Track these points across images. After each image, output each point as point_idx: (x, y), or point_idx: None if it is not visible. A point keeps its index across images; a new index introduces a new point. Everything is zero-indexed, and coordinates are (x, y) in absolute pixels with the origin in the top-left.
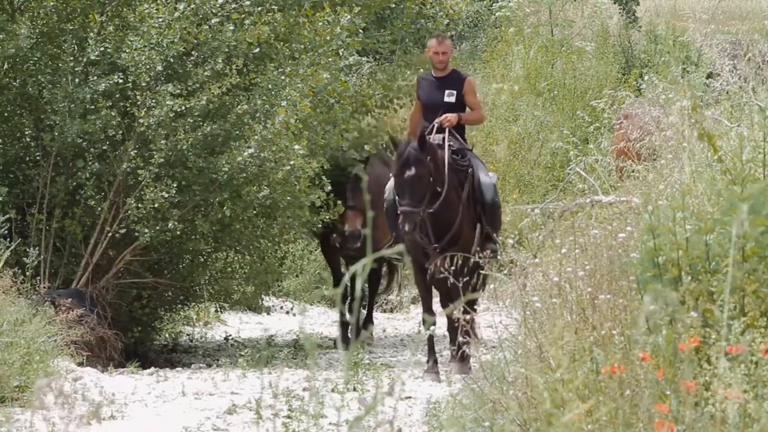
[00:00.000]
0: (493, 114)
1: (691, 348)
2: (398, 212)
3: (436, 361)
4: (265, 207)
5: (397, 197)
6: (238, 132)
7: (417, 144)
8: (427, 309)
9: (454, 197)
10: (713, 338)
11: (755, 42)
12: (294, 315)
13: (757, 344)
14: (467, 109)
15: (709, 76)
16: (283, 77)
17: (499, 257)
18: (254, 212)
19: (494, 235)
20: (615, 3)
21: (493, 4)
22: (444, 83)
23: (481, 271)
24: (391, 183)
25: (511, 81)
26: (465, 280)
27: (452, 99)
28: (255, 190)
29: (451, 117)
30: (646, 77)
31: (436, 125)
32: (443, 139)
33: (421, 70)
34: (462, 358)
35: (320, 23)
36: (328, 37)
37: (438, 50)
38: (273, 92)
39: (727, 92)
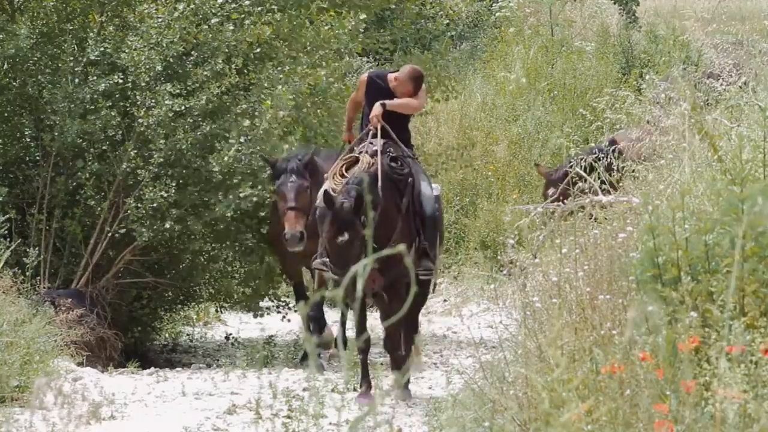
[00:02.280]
0: (493, 114)
1: (690, 348)
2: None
3: (370, 385)
4: (257, 206)
5: (327, 259)
6: (227, 133)
7: (351, 205)
8: (360, 327)
9: (392, 209)
10: (713, 338)
11: (755, 42)
12: (289, 321)
13: (757, 344)
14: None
15: (708, 76)
16: (281, 76)
17: (433, 276)
18: (241, 212)
19: (432, 252)
20: (615, 3)
21: (493, 4)
22: (394, 94)
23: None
24: (325, 186)
25: (520, 74)
26: (396, 294)
27: None
28: (249, 188)
29: (374, 112)
30: (646, 77)
31: (371, 131)
32: (382, 144)
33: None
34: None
35: (326, 26)
36: (331, 40)
37: (402, 90)
38: (270, 90)
39: (726, 92)
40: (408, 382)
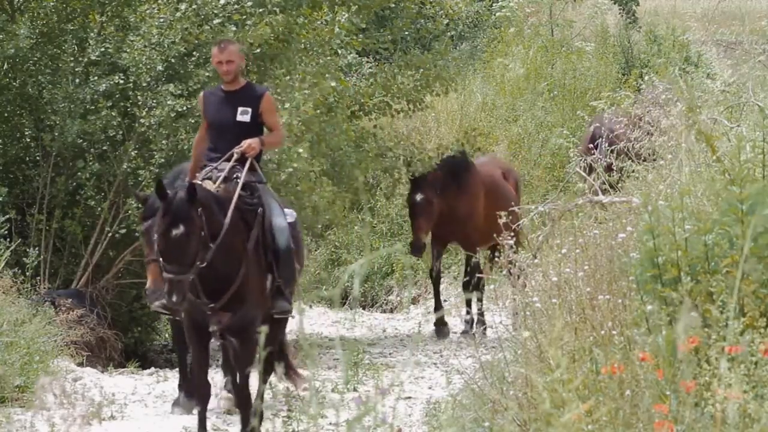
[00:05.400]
0: (493, 114)
1: (690, 348)
2: (164, 278)
3: None
4: None
5: (160, 259)
6: None
7: (186, 194)
8: (200, 383)
9: (237, 244)
10: (713, 338)
11: (754, 43)
12: (293, 317)
13: (757, 344)
14: (265, 130)
15: (708, 76)
16: (290, 83)
17: (292, 316)
18: None
19: (288, 289)
20: (615, 3)
21: (493, 4)
22: (235, 99)
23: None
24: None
25: (519, 68)
26: (247, 338)
27: (246, 118)
28: None
29: (254, 144)
30: (646, 77)
31: (236, 155)
32: (232, 169)
33: (422, 70)
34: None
35: (318, 22)
36: (327, 38)
37: (221, 59)
38: (281, 96)
39: (724, 92)
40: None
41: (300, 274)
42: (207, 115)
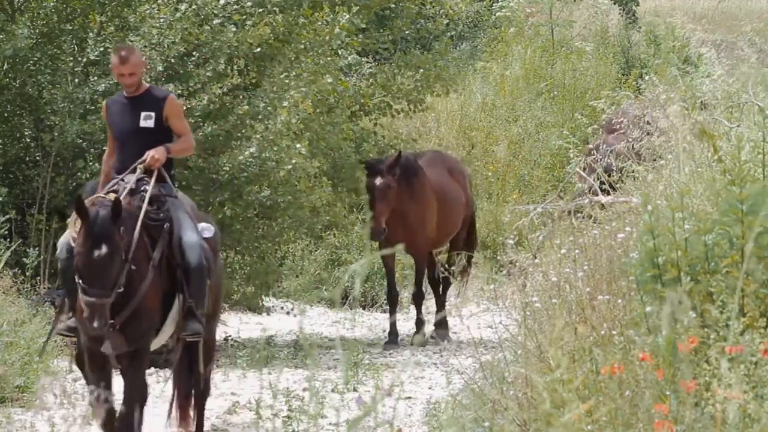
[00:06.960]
0: (493, 114)
1: (690, 348)
2: (83, 303)
3: None
4: (266, 207)
5: (80, 281)
6: (239, 133)
7: (109, 213)
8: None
9: (141, 260)
10: (713, 338)
11: (751, 44)
12: (294, 315)
13: (757, 344)
14: (174, 137)
15: (707, 76)
16: (287, 81)
17: (203, 337)
18: (255, 212)
19: (200, 309)
20: (615, 3)
21: (493, 5)
22: (138, 104)
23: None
24: (65, 237)
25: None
26: (133, 365)
27: (150, 123)
28: (256, 190)
29: (158, 155)
30: (646, 77)
31: (139, 168)
32: (139, 181)
33: (422, 70)
34: None
35: (319, 23)
36: (327, 37)
37: (123, 71)
38: (277, 94)
39: (721, 93)
40: None
41: (221, 293)
42: (111, 125)
